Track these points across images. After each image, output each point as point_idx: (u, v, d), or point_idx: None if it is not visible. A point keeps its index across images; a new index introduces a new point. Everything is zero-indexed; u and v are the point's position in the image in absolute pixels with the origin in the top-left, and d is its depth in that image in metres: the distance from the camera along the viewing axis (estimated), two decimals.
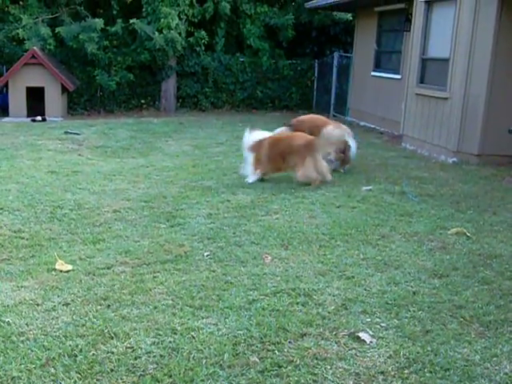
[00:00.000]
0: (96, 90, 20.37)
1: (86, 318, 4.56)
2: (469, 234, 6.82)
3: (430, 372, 3.94)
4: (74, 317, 4.59)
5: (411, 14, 14.06)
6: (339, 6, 19.60)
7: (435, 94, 12.50)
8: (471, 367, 4.02)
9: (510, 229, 7.21)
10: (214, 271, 5.53)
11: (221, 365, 3.94)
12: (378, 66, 17.59)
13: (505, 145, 11.38)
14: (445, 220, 7.40)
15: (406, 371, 3.94)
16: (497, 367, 4.07)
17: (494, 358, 4.17)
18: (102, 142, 13.38)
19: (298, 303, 4.88)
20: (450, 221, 7.38)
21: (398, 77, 15.88)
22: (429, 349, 4.23)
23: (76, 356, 4.01)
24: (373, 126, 17.01)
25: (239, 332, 4.36)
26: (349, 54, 19.83)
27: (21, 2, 19.86)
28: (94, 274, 5.46)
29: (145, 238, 6.49)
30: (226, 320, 4.55)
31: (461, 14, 11.62)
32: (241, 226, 6.91)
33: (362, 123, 17.76)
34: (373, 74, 17.64)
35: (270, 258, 5.90)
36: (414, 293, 5.15)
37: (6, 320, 4.51)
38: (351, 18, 21.53)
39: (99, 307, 4.76)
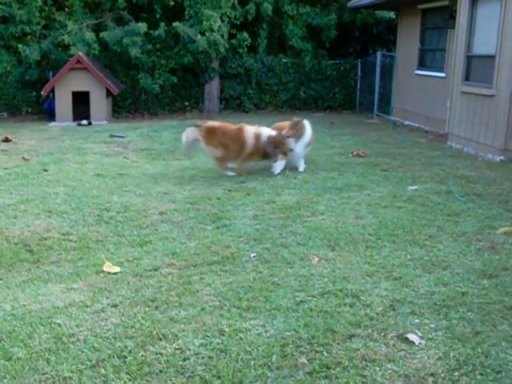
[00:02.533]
0: (140, 93, 20.60)
1: (135, 320, 4.60)
2: None
3: (481, 374, 3.88)
4: (122, 318, 4.64)
5: (455, 11, 13.88)
6: (382, 4, 19.44)
7: (481, 92, 12.31)
8: None
9: None
10: (260, 272, 5.54)
11: (269, 366, 3.93)
12: (422, 65, 17.40)
13: None
14: (493, 219, 7.27)
15: (456, 373, 3.89)
16: None
17: None
18: (146, 144, 13.51)
19: (345, 304, 4.85)
20: (499, 220, 7.25)
21: (443, 75, 15.69)
22: (479, 351, 4.16)
23: (125, 357, 4.06)
24: (417, 125, 16.83)
25: (287, 333, 4.36)
26: (392, 53, 19.66)
27: (66, 9, 20.19)
28: (141, 276, 5.52)
29: (191, 240, 6.53)
30: (274, 321, 4.54)
31: (507, 9, 11.42)
32: (287, 227, 6.91)
33: (406, 122, 17.60)
34: (417, 72, 17.46)
35: (316, 259, 5.88)
36: (463, 293, 5.08)
37: (57, 321, 4.59)
38: (394, 17, 21.33)
39: (147, 309, 4.81)
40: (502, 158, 11.50)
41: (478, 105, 12.48)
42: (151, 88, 19.90)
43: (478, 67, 12.79)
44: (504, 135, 11.57)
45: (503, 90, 11.53)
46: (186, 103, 21.37)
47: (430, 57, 17.38)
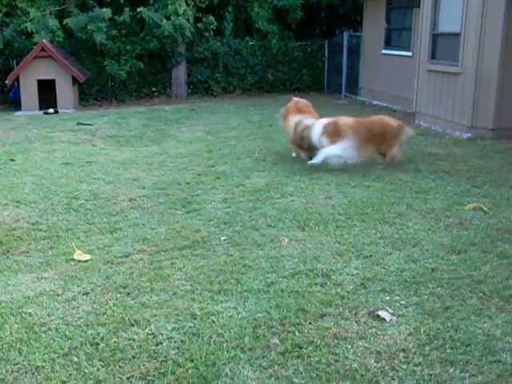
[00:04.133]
0: (106, 80, 20.39)
1: (107, 307, 4.59)
2: (486, 209, 6.78)
3: (451, 348, 3.94)
4: (94, 306, 4.62)
5: None
6: None
7: (447, 70, 12.40)
8: (492, 342, 4.01)
9: None
10: (231, 255, 5.55)
11: (241, 348, 3.95)
12: (388, 44, 17.45)
13: None
14: (461, 196, 7.36)
15: (427, 348, 3.94)
16: None
17: None
18: (114, 131, 13.40)
19: (316, 284, 4.89)
20: (467, 196, 7.33)
21: (409, 54, 15.76)
22: (449, 325, 4.22)
23: (98, 344, 4.05)
24: (385, 105, 16.91)
25: (259, 315, 4.37)
26: (359, 33, 19.68)
27: None
28: (112, 263, 5.50)
29: (161, 225, 6.51)
30: (246, 303, 4.56)
31: None
32: (256, 210, 6.92)
33: (374, 102, 17.67)
34: (383, 52, 17.51)
35: (286, 240, 5.89)
36: (433, 270, 5.14)
37: (28, 311, 4.56)
38: None
39: (119, 295, 4.79)
40: (469, 135, 11.60)
41: (444, 83, 12.56)
42: (118, 74, 19.70)
43: (443, 45, 12.86)
44: (471, 112, 11.67)
45: (469, 67, 11.61)
46: (154, 89, 21.21)
47: (396, 36, 17.44)
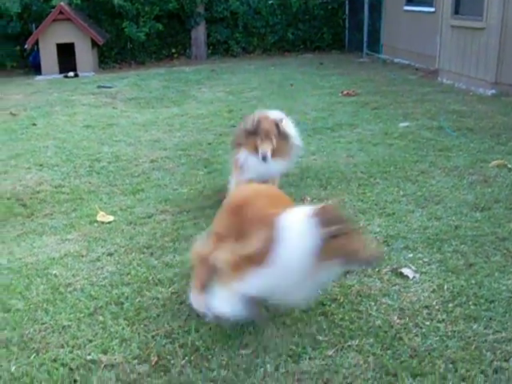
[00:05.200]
0: (126, 42, 20.28)
1: (130, 267, 4.63)
2: (510, 166, 6.70)
3: (475, 304, 3.92)
4: (118, 266, 4.67)
5: None
6: None
7: (471, 25, 12.16)
8: None
9: None
10: None
11: (265, 306, 3.96)
12: (410, 0, 17.14)
13: None
14: (485, 153, 7.27)
15: (450, 305, 3.93)
16: None
17: None
18: (135, 93, 13.38)
19: None
20: (491, 154, 7.24)
21: (432, 9, 15.46)
22: (473, 282, 4.20)
23: (123, 304, 4.09)
24: (407, 63, 16.67)
25: None
26: None
27: None
28: (135, 224, 5.53)
29: (183, 186, 6.52)
30: None
31: None
32: None
33: (396, 60, 17.42)
34: (405, 8, 17.20)
35: (309, 199, 5.88)
36: (456, 227, 5.10)
37: (53, 272, 4.61)
38: None
39: (142, 255, 4.83)
40: (493, 91, 11.42)
41: (467, 38, 12.34)
42: (137, 36, 19.58)
43: (467, 0, 12.61)
44: (495, 68, 11.47)
45: (493, 22, 11.38)
46: (173, 50, 21.08)
47: None
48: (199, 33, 20.85)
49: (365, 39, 19.78)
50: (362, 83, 13.28)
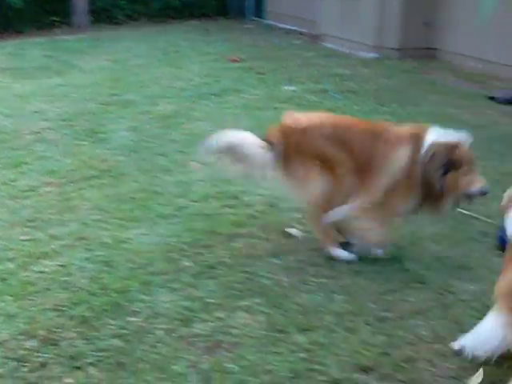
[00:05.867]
0: (2, 8, 19.38)
1: (14, 242, 4.48)
2: None
3: (361, 260, 4.10)
4: (0, 241, 4.50)
5: None
6: None
7: None
8: (399, 251, 4.20)
9: (430, 118, 7.31)
10: (139, 183, 5.49)
11: (154, 272, 3.97)
12: None
13: (422, 37, 11.47)
14: (368, 114, 7.45)
15: (336, 261, 4.07)
16: (422, 250, 4.27)
17: (420, 242, 4.36)
18: (13, 63, 12.80)
19: (227, 206, 4.93)
20: (374, 114, 7.46)
21: None
22: None
23: (6, 279, 3.96)
24: (292, 28, 16.76)
25: (170, 239, 4.39)
26: None
27: None
28: (18, 198, 5.33)
29: (67, 157, 6.34)
30: (156, 228, 4.56)
31: None
32: (164, 136, 6.83)
33: (281, 25, 17.46)
34: None
35: (197, 165, 5.86)
36: None
37: None
38: None
39: (26, 229, 4.68)
40: (375, 55, 11.71)
41: (349, 3, 12.55)
42: (13, 2, 18.70)
43: None
44: (376, 33, 11.76)
45: None
46: (54, 18, 20.33)
47: None
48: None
49: (249, 5, 19.77)
50: (247, 49, 13.27)
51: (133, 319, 3.51)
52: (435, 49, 11.60)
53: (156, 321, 3.49)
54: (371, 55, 11.71)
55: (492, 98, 8.43)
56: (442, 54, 11.48)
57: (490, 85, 9.45)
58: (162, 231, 4.51)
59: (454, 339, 3.23)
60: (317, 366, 3.10)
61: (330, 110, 7.51)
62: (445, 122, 7.16)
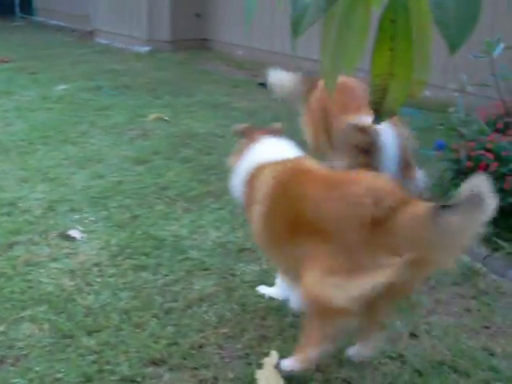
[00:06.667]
0: None
1: None
2: (167, 118, 7.03)
3: (143, 254, 4.09)
4: None
5: None
6: None
7: None
8: (180, 242, 4.26)
9: (205, 108, 7.58)
10: None
11: None
12: None
13: (193, 29, 11.72)
14: (143, 108, 7.52)
15: (119, 258, 4.05)
16: (204, 237, 4.36)
17: (201, 229, 4.46)
18: None
19: (2, 214, 4.69)
20: (148, 108, 7.52)
21: None
22: (139, 232, 4.37)
23: None
24: (64, 25, 16.31)
25: None
26: None
27: None
28: None
29: None
30: None
31: None
32: None
33: (52, 22, 16.93)
34: None
35: None
36: (119, 182, 5.23)
37: None
38: None
39: None
40: (148, 48, 11.77)
41: None
42: None
43: None
44: (148, 26, 11.81)
45: None
46: None
47: None
48: None
49: (17, 2, 18.92)
50: (16, 48, 12.70)
51: None
52: (206, 39, 11.90)
53: None
54: (144, 49, 11.75)
55: (262, 85, 8.81)
56: (213, 44, 11.82)
57: (260, 72, 9.86)
58: None
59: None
60: (107, 367, 3.07)
61: (105, 106, 7.50)
62: (220, 110, 7.51)
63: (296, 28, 1.26)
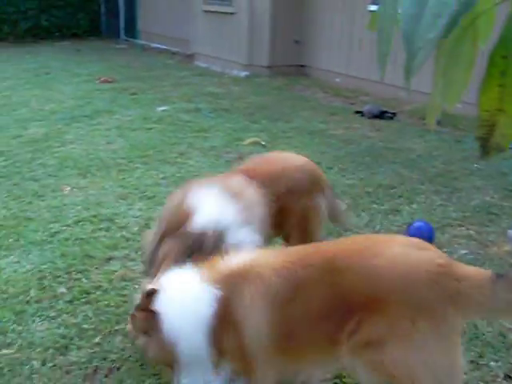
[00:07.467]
0: None
1: None
2: (263, 143, 7.10)
3: None
4: None
5: None
6: None
7: (222, 10, 12.60)
8: None
9: (301, 134, 7.61)
10: (11, 209, 5.33)
11: (28, 301, 3.87)
12: None
13: (292, 55, 11.83)
14: (240, 132, 7.63)
15: None
16: None
17: None
18: None
19: (101, 229, 4.87)
20: (245, 132, 7.62)
21: None
22: None
23: None
24: (165, 47, 16.85)
25: (44, 266, 4.29)
26: None
27: None
28: None
29: None
30: (29, 256, 4.44)
31: None
32: (36, 160, 6.68)
33: (154, 45, 17.53)
34: None
35: (68, 188, 5.78)
36: None
37: None
38: None
39: None
40: (246, 73, 11.96)
41: (220, 23, 12.77)
42: None
43: None
44: (247, 51, 12.01)
45: (242, 6, 11.88)
46: None
47: None
48: None
49: (122, 25, 19.67)
50: (120, 69, 13.21)
51: (6, 351, 3.41)
52: (304, 66, 11.99)
53: (31, 351, 3.40)
54: (243, 73, 11.94)
55: (359, 113, 8.80)
56: (311, 70, 11.88)
57: (358, 100, 9.87)
58: (35, 258, 4.40)
59: None
60: None
61: (204, 128, 7.66)
62: (316, 136, 7.53)
63: (409, 70, 1.27)
